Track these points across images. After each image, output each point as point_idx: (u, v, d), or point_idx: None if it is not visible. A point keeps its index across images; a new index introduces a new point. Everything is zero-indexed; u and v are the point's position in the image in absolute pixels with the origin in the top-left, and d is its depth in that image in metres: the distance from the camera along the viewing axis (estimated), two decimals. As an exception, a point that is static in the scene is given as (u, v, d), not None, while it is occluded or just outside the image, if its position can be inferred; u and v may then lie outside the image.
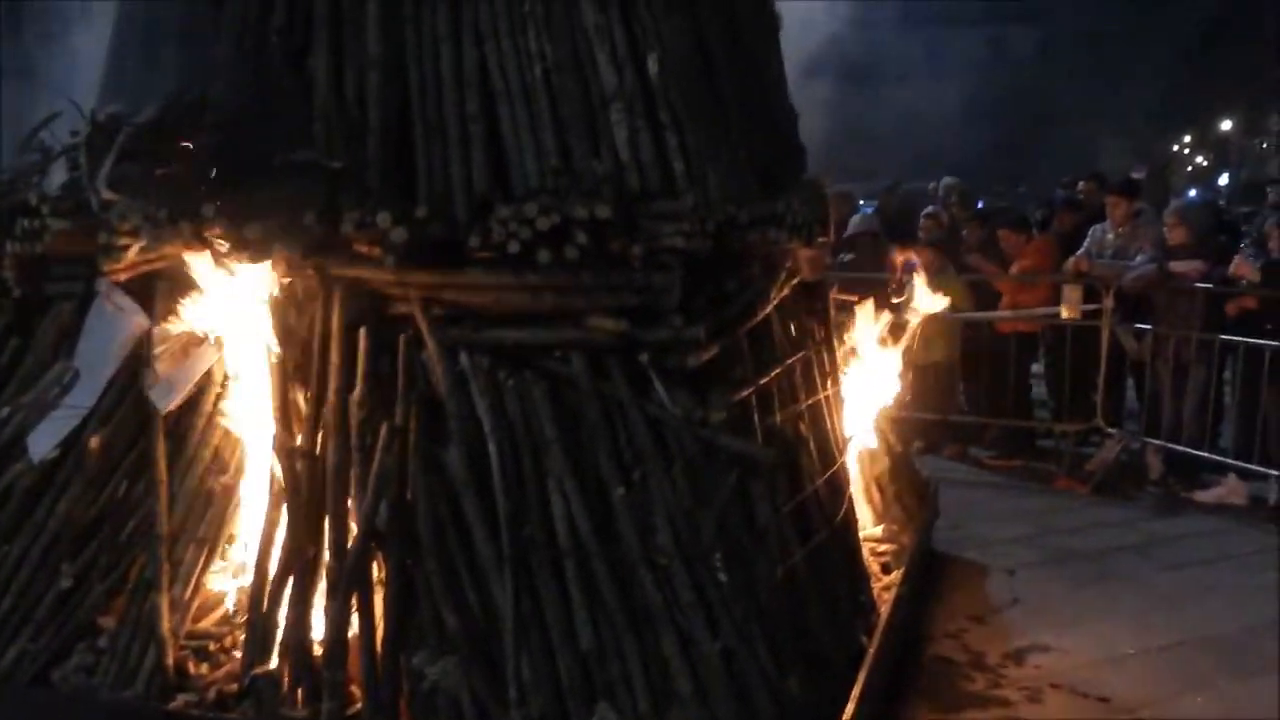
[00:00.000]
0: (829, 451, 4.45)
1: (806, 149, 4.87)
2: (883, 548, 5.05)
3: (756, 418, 3.90)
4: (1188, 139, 42.19)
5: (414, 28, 3.85)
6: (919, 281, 5.69)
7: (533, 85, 3.81)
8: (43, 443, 4.00)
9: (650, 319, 3.62)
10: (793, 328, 4.45)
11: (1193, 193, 40.81)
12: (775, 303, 4.18)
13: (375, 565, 3.62)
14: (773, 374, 4.02)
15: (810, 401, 4.36)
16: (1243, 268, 6.99)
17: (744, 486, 3.67)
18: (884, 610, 4.34)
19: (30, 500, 3.95)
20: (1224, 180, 40.12)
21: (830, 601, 4.00)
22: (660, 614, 3.40)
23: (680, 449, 3.58)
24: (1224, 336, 7.08)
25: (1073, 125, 35.33)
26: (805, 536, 3.99)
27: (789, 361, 4.18)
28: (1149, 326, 7.64)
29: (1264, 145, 41.58)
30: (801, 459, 4.15)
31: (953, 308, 8.60)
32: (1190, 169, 43.06)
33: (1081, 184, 9.88)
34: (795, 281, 4.43)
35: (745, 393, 3.81)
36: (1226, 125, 41.04)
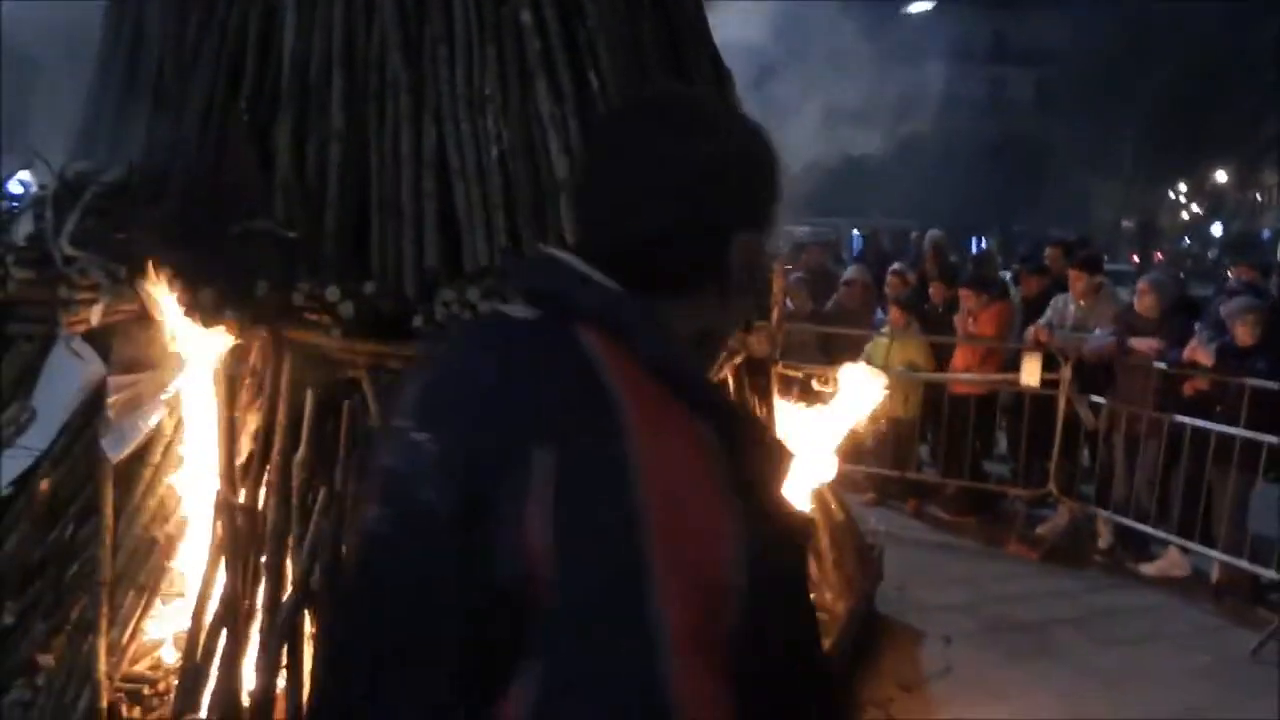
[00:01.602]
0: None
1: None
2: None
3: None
4: (1182, 187, 42.53)
5: (377, 105, 4.00)
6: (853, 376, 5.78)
7: (488, 167, 3.96)
8: (-5, 480, 4.12)
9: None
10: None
11: (1186, 241, 41.16)
12: (716, 383, 4.31)
13: (306, 623, 3.75)
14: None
15: (744, 478, 4.49)
16: (1198, 352, 7.14)
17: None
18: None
19: (-21, 537, 4.08)
20: (1217, 231, 40.48)
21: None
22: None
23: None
24: (1175, 417, 7.23)
25: (1068, 169, 35.64)
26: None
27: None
28: (1104, 400, 7.80)
29: (1258, 198, 41.94)
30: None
31: (914, 367, 8.79)
32: (1185, 217, 43.41)
33: (1047, 250, 10.06)
34: (739, 360, 4.57)
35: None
36: (1221, 177, 41.39)
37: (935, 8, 32.15)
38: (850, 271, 10.24)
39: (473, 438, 1.24)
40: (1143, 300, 7.77)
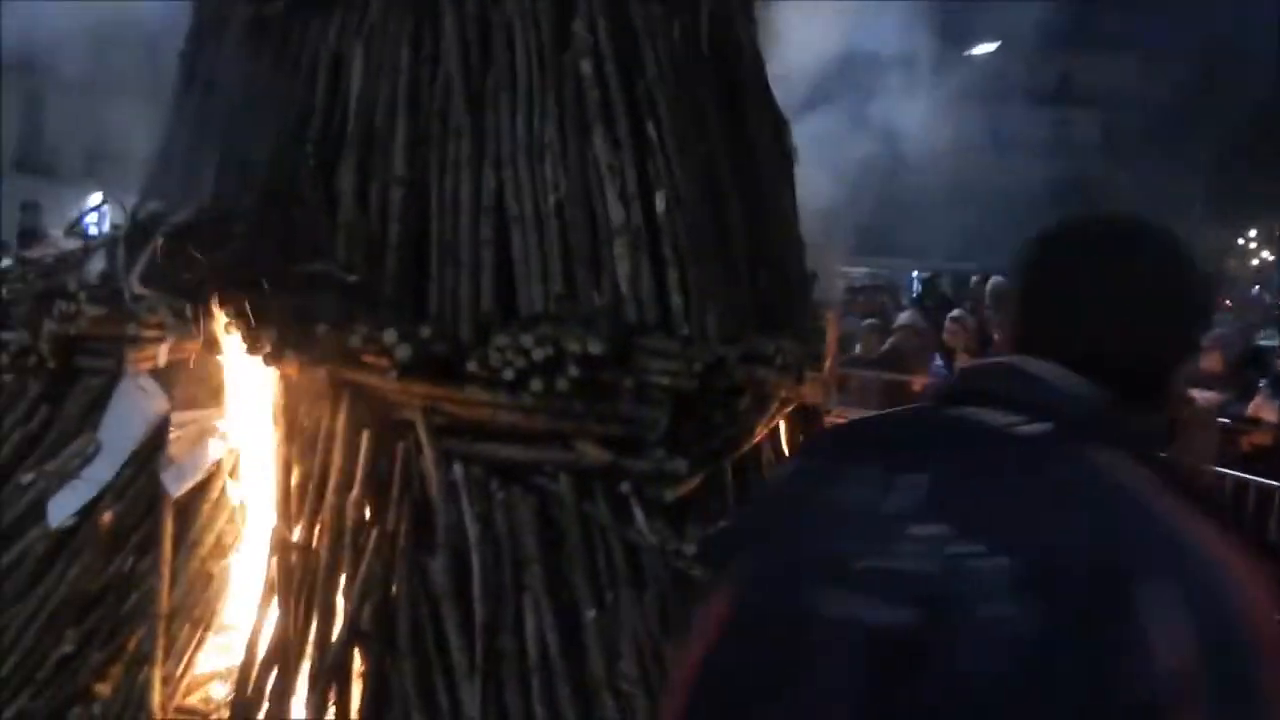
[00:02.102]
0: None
1: (816, 275, 5.04)
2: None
3: (734, 547, 4.03)
4: (1252, 233, 41.74)
5: (439, 152, 4.08)
6: None
7: (545, 214, 4.02)
8: (61, 511, 4.22)
9: (635, 449, 3.78)
10: (786, 454, 4.58)
11: (1256, 289, 40.32)
12: (766, 432, 4.32)
13: (355, 661, 3.79)
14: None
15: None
16: (1263, 409, 7.01)
17: (714, 617, 3.79)
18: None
19: (43, 565, 4.17)
20: (1289, 279, 39.60)
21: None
22: (619, 739, 3.54)
23: (654, 577, 3.73)
24: (1236, 473, 7.08)
25: (1134, 212, 35.12)
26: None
27: (773, 492, 4.31)
28: (1166, 454, 7.65)
29: (1331, 246, 41.03)
30: (778, 587, 4.27)
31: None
32: (1254, 264, 42.57)
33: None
34: (791, 409, 4.57)
35: (723, 524, 3.95)
36: (1293, 223, 40.54)
37: (1001, 49, 31.97)
38: (902, 318, 10.19)
39: (1062, 556, 1.26)
40: (1208, 357, 7.64)
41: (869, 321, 9.86)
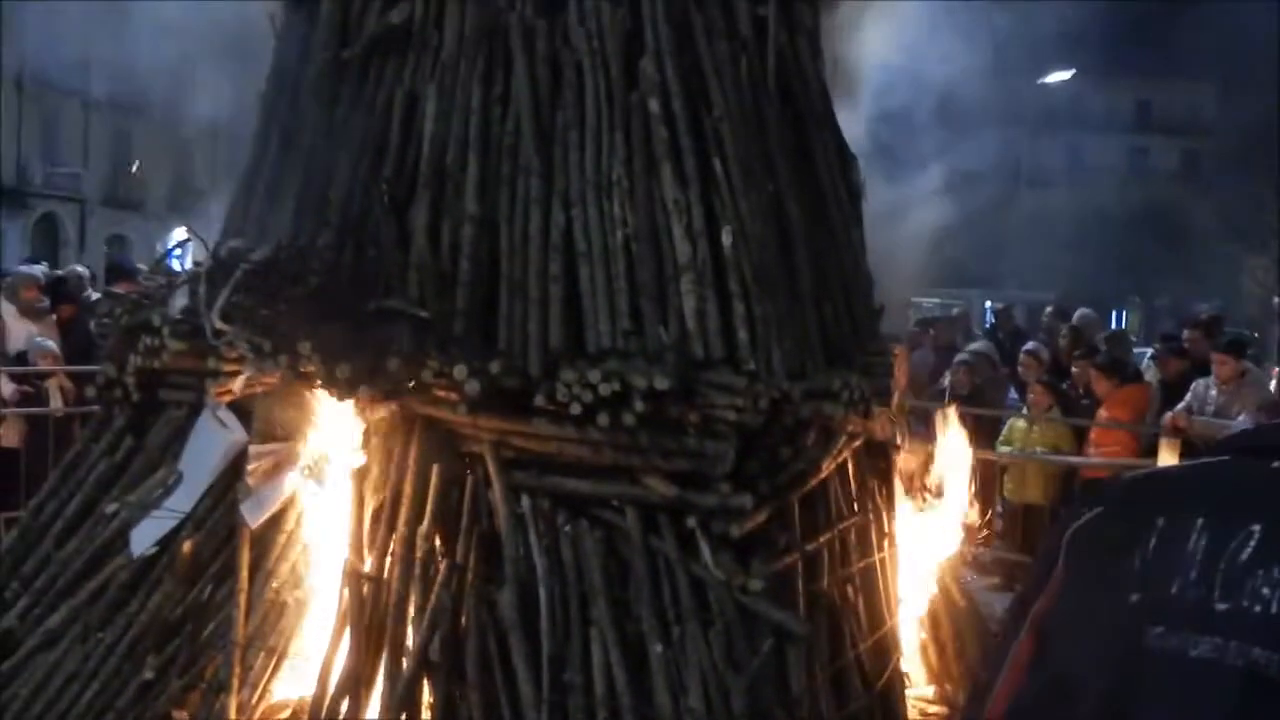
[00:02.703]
0: (879, 614, 4.52)
1: (884, 307, 5.03)
2: (934, 709, 5.06)
3: (801, 583, 4.03)
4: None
5: (509, 189, 4.16)
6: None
7: (613, 250, 4.07)
8: (143, 540, 4.34)
9: (701, 483, 3.80)
10: (854, 489, 4.57)
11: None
12: (833, 467, 4.31)
13: (425, 692, 3.84)
14: (820, 540, 4.15)
15: (862, 565, 4.46)
16: None
17: (781, 653, 3.79)
18: (924, 777, 4.38)
19: (125, 593, 4.29)
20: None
21: (862, 769, 4.06)
22: (685, 775, 3.54)
23: (720, 612, 3.73)
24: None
25: (1215, 242, 34.39)
26: (843, 703, 4.08)
27: (839, 527, 4.29)
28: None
29: None
30: (845, 624, 4.25)
31: (1055, 449, 8.56)
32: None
33: (1186, 331, 9.73)
34: (858, 444, 4.55)
35: (790, 560, 3.95)
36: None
37: (1077, 77, 31.57)
38: (974, 348, 10.05)
39: None
40: (1291, 389, 7.46)
41: (961, 358, 9.66)
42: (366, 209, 4.18)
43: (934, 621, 5.30)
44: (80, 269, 11.55)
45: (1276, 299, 37.47)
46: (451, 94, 4.32)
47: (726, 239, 4.04)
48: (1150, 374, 9.44)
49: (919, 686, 5.15)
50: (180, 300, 4.24)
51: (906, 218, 10.88)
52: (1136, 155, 38.38)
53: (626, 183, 4.08)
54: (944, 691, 5.19)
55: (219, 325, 4.04)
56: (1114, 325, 24.01)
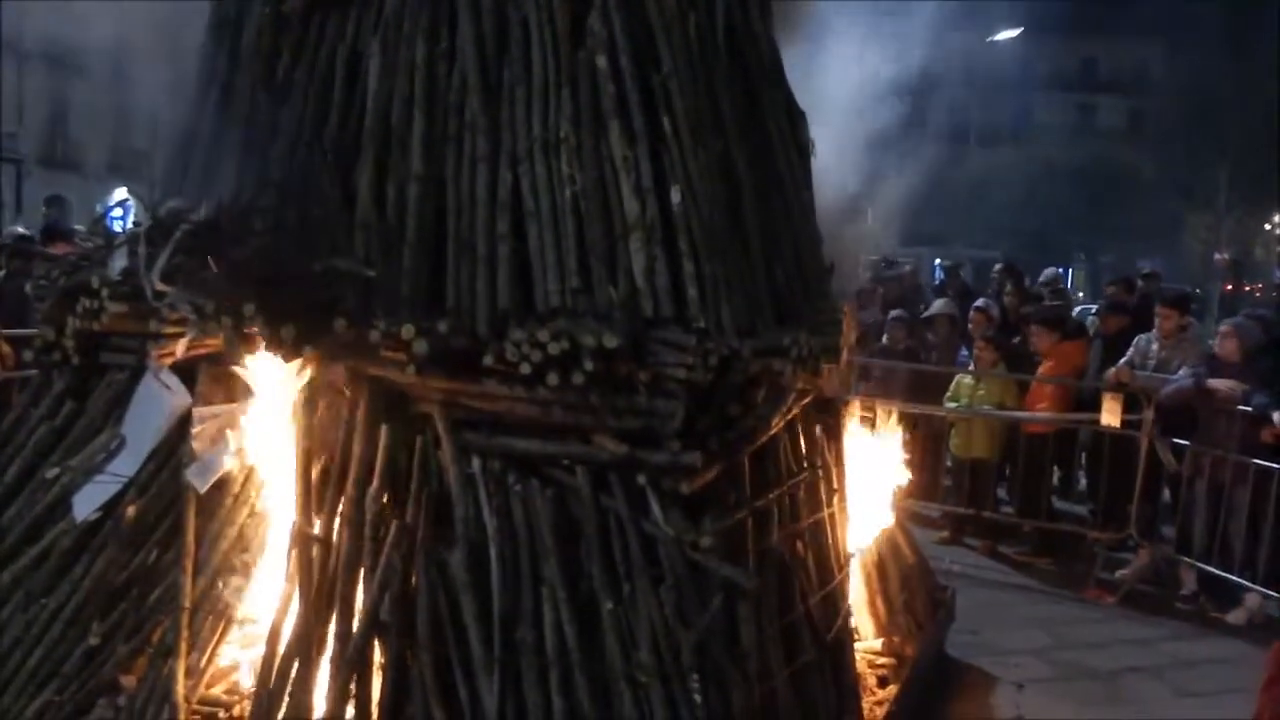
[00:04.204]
0: (828, 569, 4.57)
1: (834, 265, 5.05)
2: (882, 660, 5.14)
3: (751, 539, 4.05)
4: (1279, 219, 41.30)
5: (455, 147, 4.10)
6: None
7: (561, 208, 4.03)
8: (85, 505, 4.28)
9: (651, 441, 3.80)
10: (803, 445, 4.59)
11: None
12: (782, 424, 4.33)
13: (376, 653, 3.83)
14: (770, 496, 4.17)
15: (811, 520, 4.50)
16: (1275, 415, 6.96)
17: (731, 608, 3.82)
18: (872, 727, 4.45)
19: (68, 559, 4.23)
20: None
21: (812, 721, 4.11)
22: (635, 730, 3.56)
23: (671, 568, 3.75)
24: (1259, 461, 7.04)
25: (1159, 198, 34.86)
26: (792, 657, 4.12)
27: (789, 483, 4.32)
28: (1188, 443, 7.63)
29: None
30: (795, 579, 4.29)
31: (1000, 405, 8.68)
32: (1280, 250, 42.11)
33: (1141, 284, 9.91)
34: (808, 400, 4.58)
35: (739, 516, 3.97)
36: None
37: (1024, 35, 31.69)
38: (938, 306, 10.18)
39: None
40: (1224, 345, 7.60)
41: (895, 314, 9.83)
42: (309, 168, 4.11)
43: (882, 575, 5.38)
44: (19, 229, 11.28)
45: (1217, 255, 38.24)
46: (395, 50, 4.24)
47: (676, 197, 4.01)
48: (1094, 330, 9.59)
49: (868, 639, 5.23)
50: (119, 262, 4.14)
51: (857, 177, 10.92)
52: (1084, 113, 38.70)
53: (574, 140, 4.03)
54: (892, 644, 5.27)
55: (159, 287, 3.96)
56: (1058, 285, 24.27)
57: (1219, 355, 7.62)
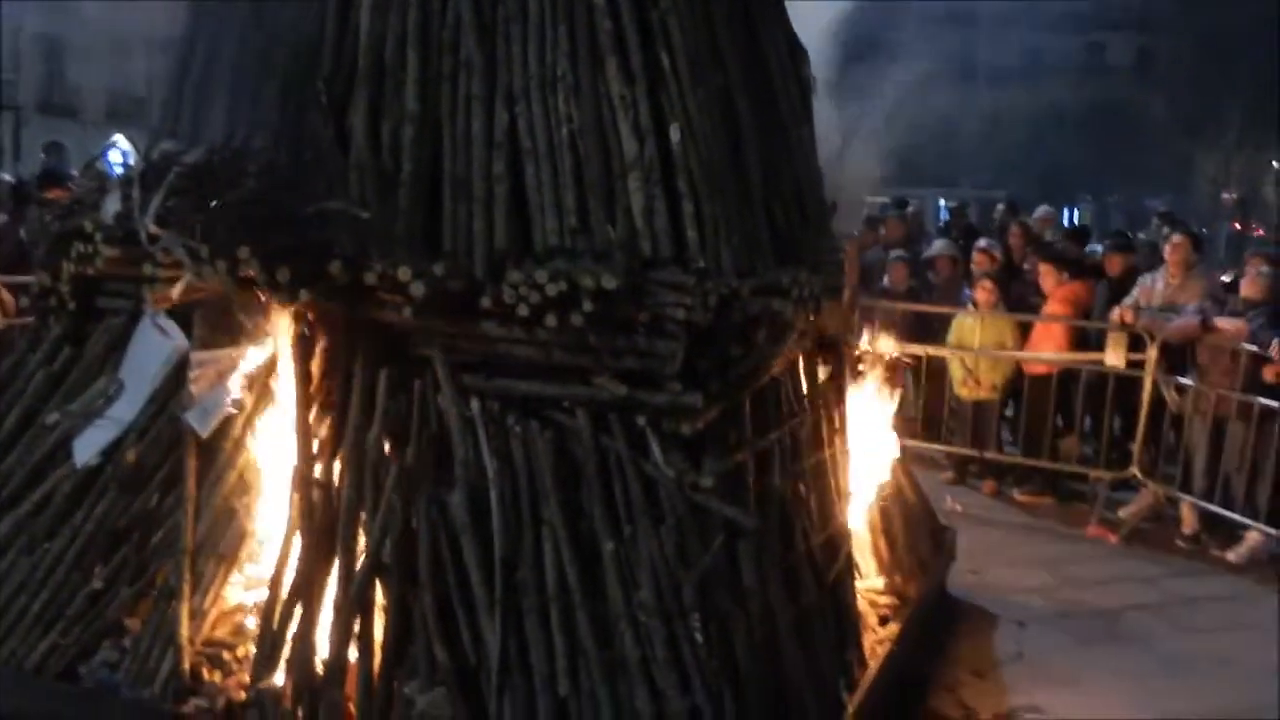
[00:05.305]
0: (830, 509, 4.57)
1: (835, 204, 5.00)
2: (884, 599, 5.15)
3: (752, 480, 4.05)
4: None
5: (450, 87, 4.04)
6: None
7: (558, 147, 3.98)
8: (86, 450, 4.28)
9: (651, 382, 3.78)
10: (804, 385, 4.58)
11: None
12: (783, 364, 4.31)
13: (378, 594, 3.84)
14: (771, 437, 4.16)
15: (812, 460, 4.49)
16: (1275, 349, 6.91)
17: (732, 549, 3.82)
18: (873, 666, 4.47)
19: (70, 504, 4.25)
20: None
21: (814, 661, 4.13)
22: (636, 668, 3.57)
23: (671, 509, 3.75)
24: (1263, 400, 7.02)
25: (1168, 138, 34.50)
26: (794, 596, 4.13)
27: (790, 424, 4.31)
28: (1192, 382, 7.60)
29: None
30: (797, 519, 4.29)
31: (1000, 345, 8.64)
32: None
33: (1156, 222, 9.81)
34: (810, 340, 4.55)
35: (740, 456, 3.96)
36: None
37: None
38: (938, 246, 10.12)
39: None
40: (1250, 287, 7.54)
41: (896, 253, 9.77)
42: (303, 108, 4.05)
43: (885, 515, 5.38)
44: (6, 177, 11.18)
45: (1225, 195, 37.94)
46: (389, -14, 4.17)
47: (674, 135, 3.96)
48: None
49: (870, 578, 5.25)
50: (113, 205, 4.11)
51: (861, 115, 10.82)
52: (1093, 51, 38.21)
53: (571, 78, 3.97)
54: (894, 583, 5.29)
55: (153, 230, 3.94)
56: (1066, 223, 24.13)
57: (1244, 295, 7.56)
